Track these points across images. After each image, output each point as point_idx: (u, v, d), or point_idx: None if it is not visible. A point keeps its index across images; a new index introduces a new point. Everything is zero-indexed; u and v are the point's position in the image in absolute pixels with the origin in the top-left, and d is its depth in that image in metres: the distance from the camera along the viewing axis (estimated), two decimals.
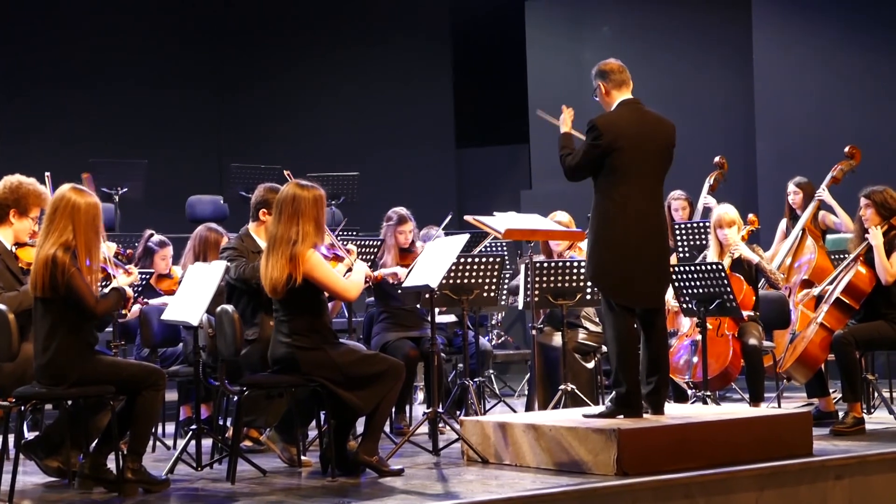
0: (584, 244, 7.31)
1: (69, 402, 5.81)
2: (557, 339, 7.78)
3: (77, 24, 13.37)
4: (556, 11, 13.30)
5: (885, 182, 7.72)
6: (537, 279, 7.52)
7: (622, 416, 6.12)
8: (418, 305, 7.70)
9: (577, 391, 7.49)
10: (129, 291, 5.91)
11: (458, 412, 7.69)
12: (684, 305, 7.60)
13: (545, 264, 7.63)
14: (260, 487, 5.83)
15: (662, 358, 6.32)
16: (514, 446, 6.24)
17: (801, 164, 10.47)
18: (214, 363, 6.60)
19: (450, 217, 8.85)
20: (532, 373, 8.04)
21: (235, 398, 6.20)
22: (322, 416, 6.35)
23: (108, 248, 6.02)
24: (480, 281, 7.45)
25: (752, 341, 7.72)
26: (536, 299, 7.54)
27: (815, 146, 11.09)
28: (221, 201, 11.88)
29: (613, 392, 6.23)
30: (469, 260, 7.45)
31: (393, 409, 7.13)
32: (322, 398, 6.01)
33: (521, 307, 8.18)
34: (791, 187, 9.21)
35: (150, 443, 6.64)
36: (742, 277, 7.86)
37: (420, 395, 9.43)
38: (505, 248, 9.99)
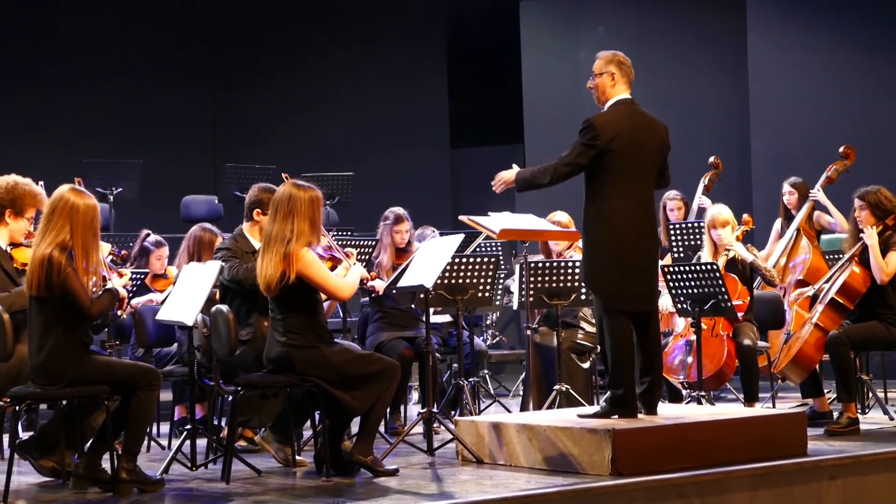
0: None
1: (64, 402, 5.81)
2: (555, 339, 7.78)
3: (72, 24, 13.33)
4: (550, 11, 13.30)
5: (880, 182, 7.71)
6: (532, 279, 7.53)
7: (617, 417, 6.13)
8: (413, 305, 7.70)
9: (571, 391, 7.50)
10: (123, 292, 5.91)
11: (452, 412, 7.68)
12: (679, 305, 7.60)
13: (539, 264, 7.63)
14: (254, 487, 5.82)
15: (656, 359, 6.32)
16: (508, 446, 6.24)
17: (796, 164, 10.47)
18: (209, 363, 6.61)
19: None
20: (527, 373, 8.04)
21: (230, 398, 6.20)
22: (317, 416, 6.35)
23: (102, 249, 6.02)
24: (475, 281, 7.46)
25: (747, 342, 7.72)
26: (531, 299, 7.55)
27: (810, 146, 11.09)
28: (216, 201, 11.86)
29: (608, 392, 6.23)
30: (464, 260, 7.46)
31: (388, 409, 7.13)
32: (317, 398, 6.02)
33: (515, 307, 8.19)
34: (786, 187, 9.19)
35: (145, 443, 6.65)
36: (737, 277, 7.85)
37: (415, 395, 9.42)
38: (499, 248, 9.99)
